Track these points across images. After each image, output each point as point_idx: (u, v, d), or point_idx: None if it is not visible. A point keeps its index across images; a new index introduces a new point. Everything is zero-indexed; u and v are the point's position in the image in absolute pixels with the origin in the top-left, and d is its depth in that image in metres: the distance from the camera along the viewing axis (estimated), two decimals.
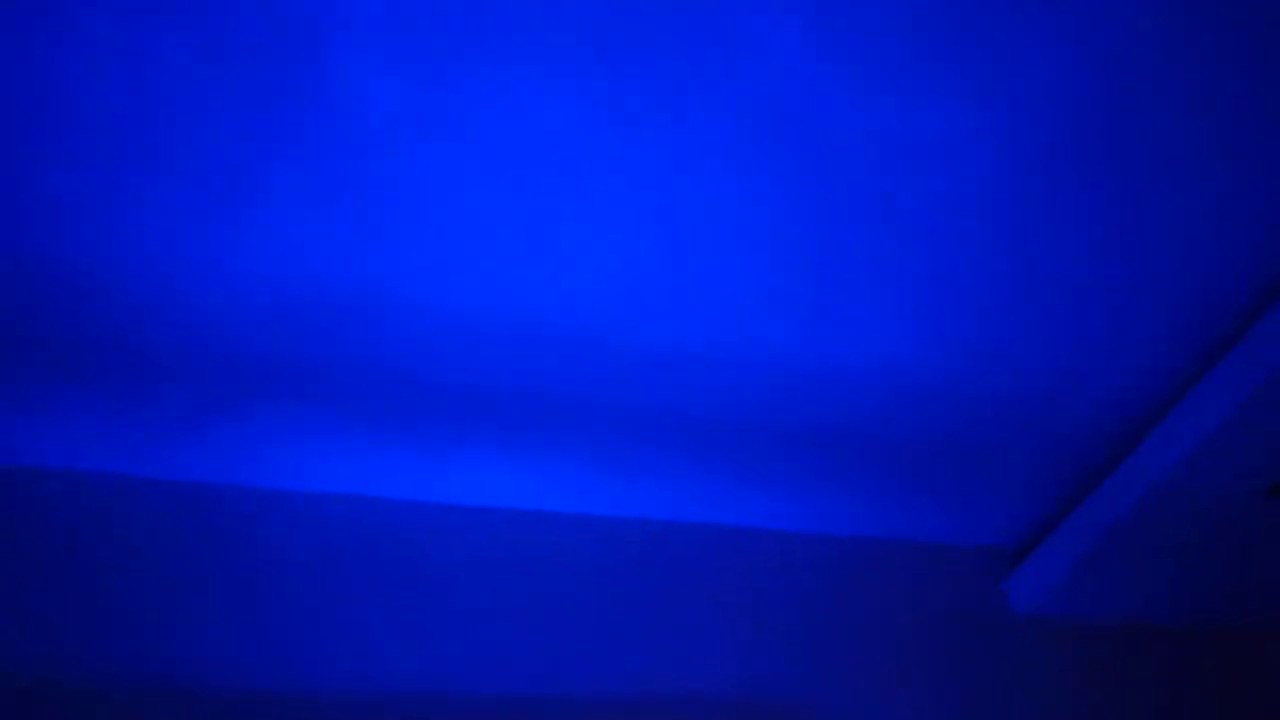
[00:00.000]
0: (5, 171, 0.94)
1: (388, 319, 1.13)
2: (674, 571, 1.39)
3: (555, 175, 1.02)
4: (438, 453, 1.30)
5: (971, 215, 1.14)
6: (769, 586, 1.43)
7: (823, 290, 1.19)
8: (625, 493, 1.41)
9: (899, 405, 1.36)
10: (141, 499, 1.19)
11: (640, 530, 1.41)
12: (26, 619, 1.07)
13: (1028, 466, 1.51)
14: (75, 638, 1.08)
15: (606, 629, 1.30)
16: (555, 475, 1.37)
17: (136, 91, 0.90)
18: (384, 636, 1.19)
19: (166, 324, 1.09)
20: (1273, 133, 1.12)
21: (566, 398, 1.26)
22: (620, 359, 1.22)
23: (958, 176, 1.09)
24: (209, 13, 0.87)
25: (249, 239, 1.03)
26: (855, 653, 1.41)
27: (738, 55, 0.96)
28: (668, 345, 1.22)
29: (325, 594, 1.19)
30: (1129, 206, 1.17)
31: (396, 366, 1.18)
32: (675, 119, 1.00)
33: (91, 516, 1.16)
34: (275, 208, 1.01)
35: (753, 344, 1.23)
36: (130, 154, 0.95)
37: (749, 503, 1.46)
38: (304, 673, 1.13)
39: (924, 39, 0.97)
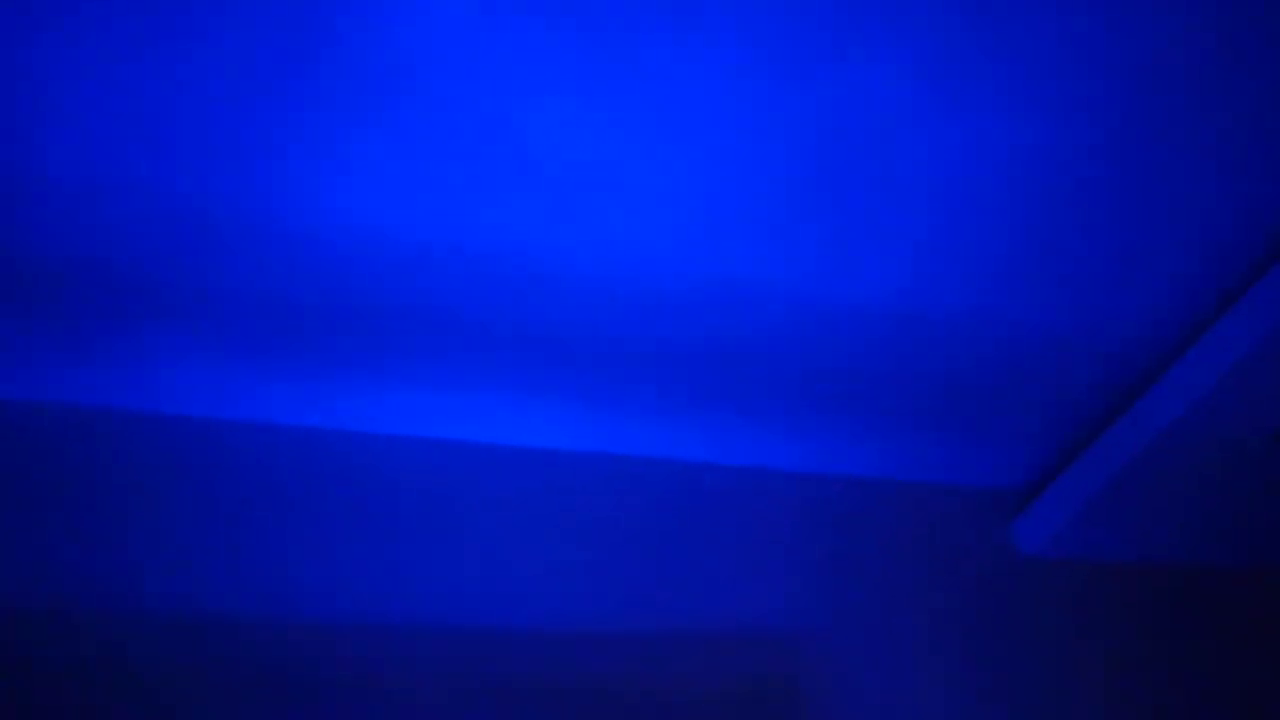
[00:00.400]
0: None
1: (381, 255, 1.14)
2: (677, 510, 1.41)
3: (552, 102, 1.02)
4: (436, 389, 1.32)
5: (1000, 151, 1.14)
6: (774, 526, 1.46)
7: (832, 225, 1.18)
8: (628, 430, 1.43)
9: (908, 344, 1.36)
10: (117, 430, 1.21)
11: (644, 469, 1.43)
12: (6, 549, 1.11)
13: (1037, 408, 1.52)
14: (50, 567, 1.11)
15: (607, 566, 1.32)
16: (555, 412, 1.38)
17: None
18: (377, 569, 1.22)
19: (138, 253, 1.09)
20: None
21: (569, 335, 1.27)
22: (625, 296, 1.23)
23: (972, 114, 1.09)
24: None
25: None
26: (860, 593, 1.44)
27: None
28: (672, 281, 1.22)
29: (312, 527, 1.21)
30: (1143, 148, 1.17)
31: (395, 303, 1.19)
32: (675, 41, 0.99)
33: (76, 449, 1.19)
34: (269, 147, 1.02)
35: (760, 280, 1.23)
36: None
37: (754, 441, 1.48)
38: (291, 604, 1.17)
39: None
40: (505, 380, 1.32)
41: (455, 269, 1.16)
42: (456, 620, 1.22)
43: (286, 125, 1.00)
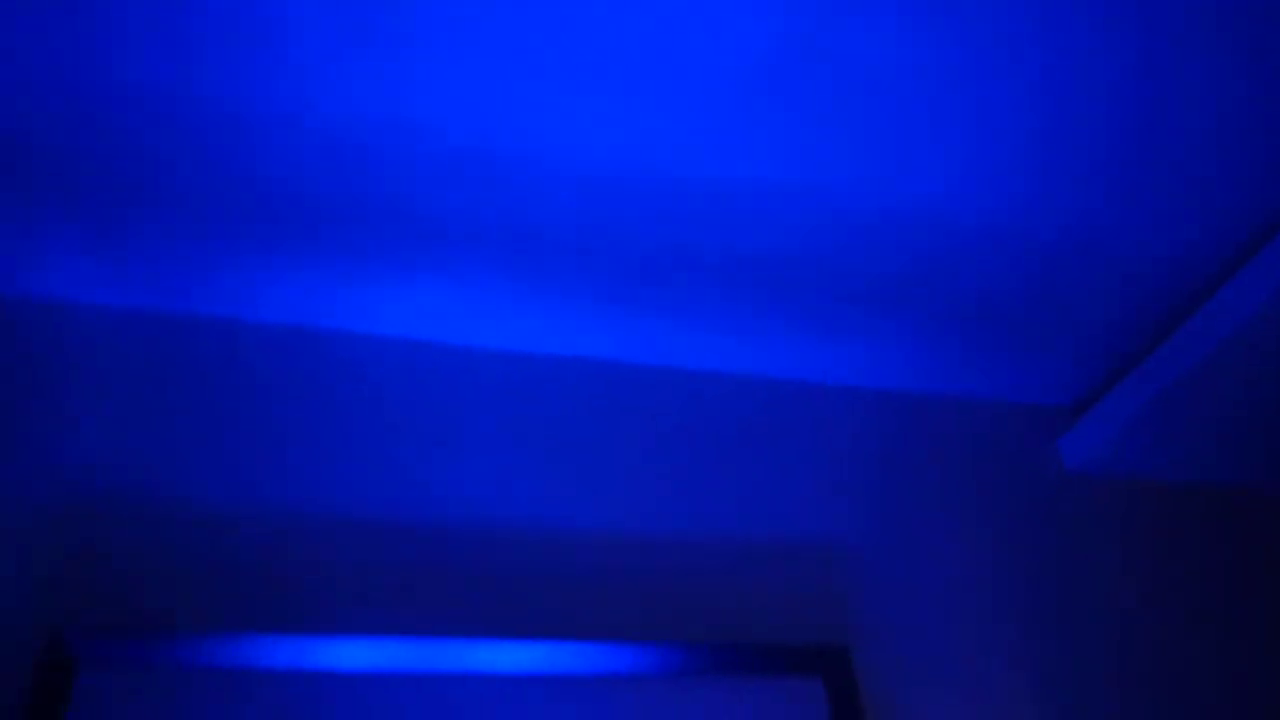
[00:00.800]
0: None
1: (397, 152, 1.10)
2: (716, 421, 1.38)
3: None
4: (454, 292, 1.29)
5: (1035, 55, 1.08)
6: (817, 439, 1.42)
7: (878, 127, 1.13)
8: (661, 339, 1.39)
9: (954, 256, 1.31)
10: (139, 331, 1.19)
11: (683, 380, 1.41)
12: (37, 444, 1.09)
13: (1086, 323, 1.48)
14: (81, 461, 1.10)
15: (646, 475, 1.30)
16: (590, 318, 1.35)
17: None
18: (385, 468, 1.20)
19: (157, 152, 1.07)
20: None
21: (604, 236, 1.23)
22: (660, 197, 1.17)
23: (1021, 13, 1.03)
24: None
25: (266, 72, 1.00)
26: (903, 506, 1.41)
27: None
28: (710, 184, 1.17)
29: (324, 427, 1.20)
30: (1202, 52, 1.11)
31: (408, 206, 1.16)
32: None
33: (90, 348, 1.17)
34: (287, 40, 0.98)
35: (799, 185, 1.18)
36: None
37: (796, 351, 1.44)
38: (308, 501, 1.15)
39: None
40: (531, 286, 1.29)
41: (474, 169, 1.12)
42: (485, 524, 1.19)
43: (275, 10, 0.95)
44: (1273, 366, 1.42)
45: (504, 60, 1.02)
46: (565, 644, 1.11)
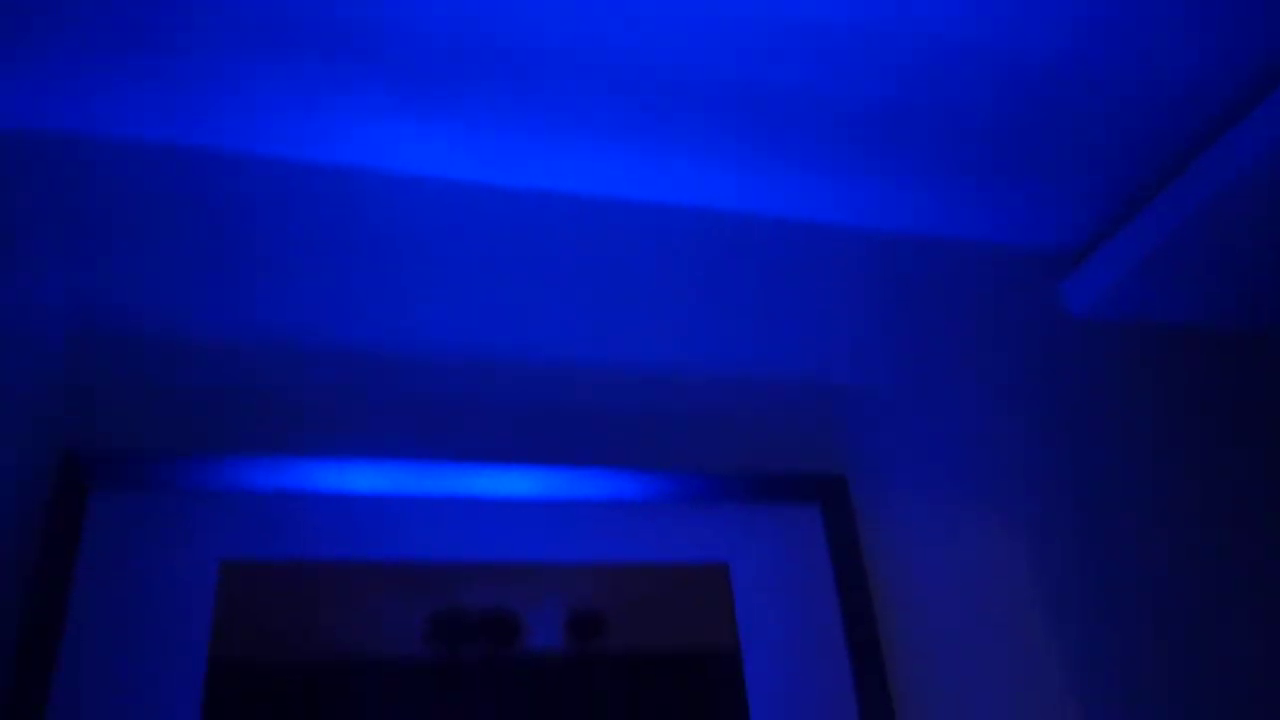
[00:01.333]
0: None
1: None
2: (715, 259, 1.38)
3: None
4: (460, 129, 1.28)
5: None
6: (814, 280, 1.42)
7: None
8: (661, 176, 1.37)
9: (957, 83, 1.28)
10: (152, 164, 1.19)
11: (680, 217, 1.39)
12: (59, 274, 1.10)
13: (1092, 163, 1.45)
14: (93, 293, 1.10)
15: (646, 312, 1.30)
16: (590, 153, 1.34)
17: None
18: (392, 302, 1.21)
19: None
20: None
21: (604, 67, 1.21)
22: (652, 22, 1.15)
23: None
24: None
25: None
26: (905, 348, 1.41)
27: None
28: (699, 10, 1.15)
29: (336, 262, 1.20)
30: None
31: (412, 37, 1.13)
32: None
33: (101, 180, 1.16)
34: None
35: (792, 5, 1.15)
36: None
37: (788, 188, 1.42)
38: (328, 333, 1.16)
39: None
40: (536, 122, 1.27)
41: None
42: (491, 356, 1.20)
43: None
44: None
45: None
46: (566, 470, 1.13)
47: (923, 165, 1.41)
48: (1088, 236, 1.60)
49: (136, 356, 1.10)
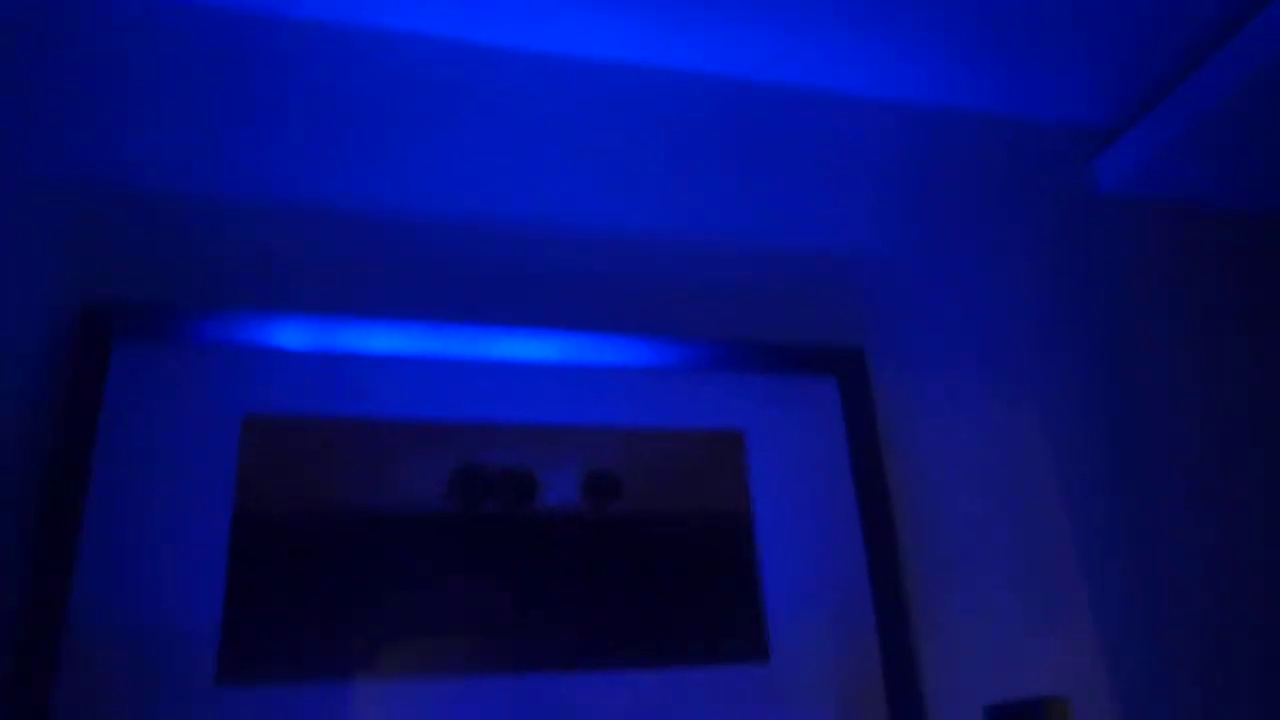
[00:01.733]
0: None
1: None
2: (738, 128, 1.35)
3: None
4: None
5: None
6: (841, 150, 1.38)
7: None
8: (676, 39, 1.34)
9: None
10: (160, 20, 1.16)
11: (701, 85, 1.36)
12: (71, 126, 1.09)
13: (1128, 39, 1.40)
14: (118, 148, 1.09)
15: (663, 179, 1.28)
16: (604, 17, 1.30)
17: None
18: (413, 165, 1.19)
19: None
20: None
21: None
22: None
23: None
24: None
25: None
26: (930, 221, 1.39)
27: None
28: None
29: (359, 124, 1.19)
30: None
31: None
32: None
33: (128, 39, 1.14)
34: None
35: None
36: None
37: (813, 58, 1.38)
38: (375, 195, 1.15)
39: None
40: None
41: None
42: (509, 221, 1.19)
43: None
44: None
45: None
46: (587, 336, 1.13)
47: (955, 38, 1.37)
48: (1122, 115, 1.55)
49: (155, 213, 1.09)
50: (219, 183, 1.13)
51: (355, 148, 1.19)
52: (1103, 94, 1.51)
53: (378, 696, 0.94)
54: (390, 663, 0.96)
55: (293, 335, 1.05)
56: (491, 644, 0.99)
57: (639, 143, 1.31)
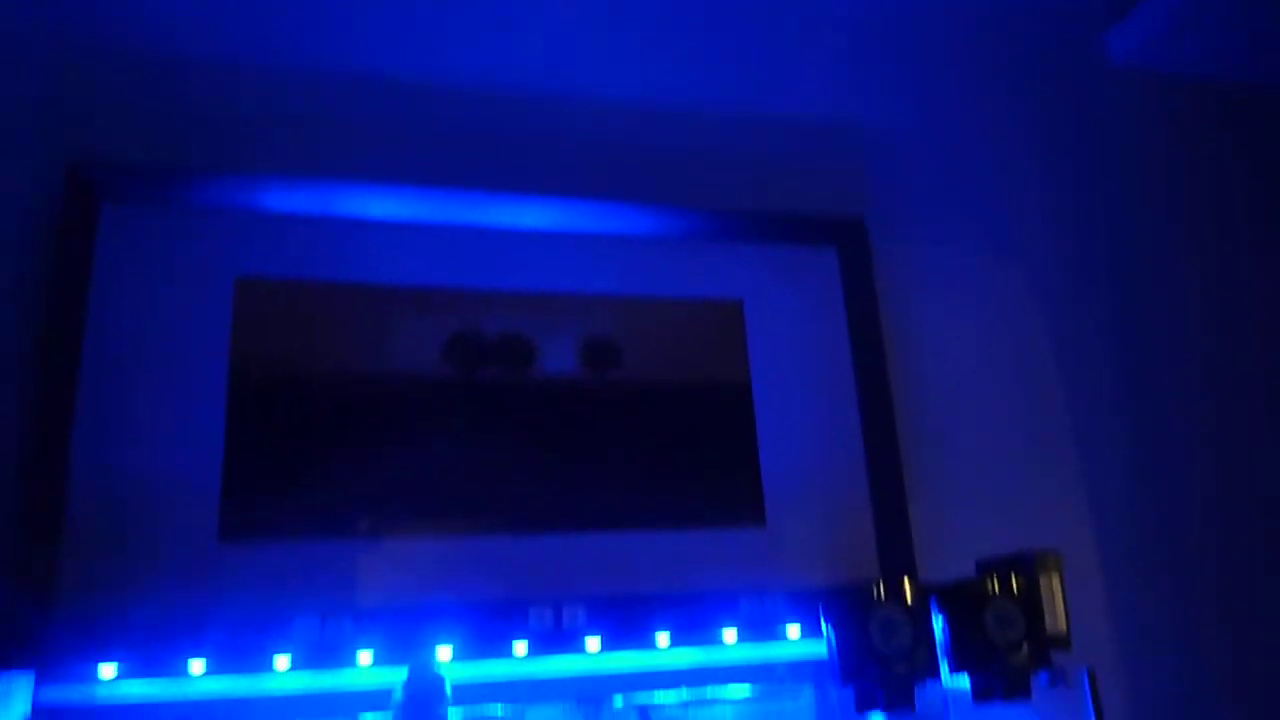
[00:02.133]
0: None
1: None
2: None
3: None
4: None
5: None
6: (841, 16, 1.34)
7: None
8: None
9: None
10: None
11: None
12: None
13: None
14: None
15: (670, 47, 1.25)
16: None
17: None
18: (413, 30, 1.16)
19: None
20: None
21: None
22: None
23: None
24: None
25: None
26: (933, 90, 1.34)
27: None
28: None
29: None
30: None
31: None
32: None
33: None
34: None
35: None
36: None
37: None
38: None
39: None
40: None
41: None
42: (509, 88, 1.16)
43: None
44: None
45: None
46: (585, 203, 1.11)
47: None
48: None
49: (145, 73, 1.05)
50: (212, 42, 1.09)
51: (350, 8, 1.15)
52: None
53: (379, 553, 0.96)
54: (389, 523, 0.97)
55: (286, 199, 1.02)
56: (489, 505, 1.00)
57: (639, 7, 1.27)
